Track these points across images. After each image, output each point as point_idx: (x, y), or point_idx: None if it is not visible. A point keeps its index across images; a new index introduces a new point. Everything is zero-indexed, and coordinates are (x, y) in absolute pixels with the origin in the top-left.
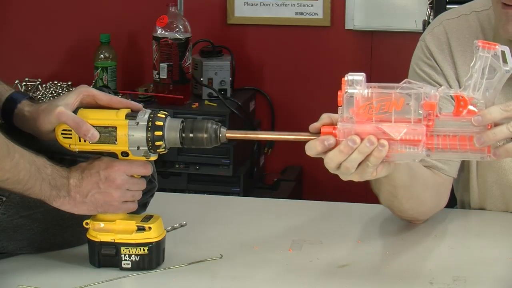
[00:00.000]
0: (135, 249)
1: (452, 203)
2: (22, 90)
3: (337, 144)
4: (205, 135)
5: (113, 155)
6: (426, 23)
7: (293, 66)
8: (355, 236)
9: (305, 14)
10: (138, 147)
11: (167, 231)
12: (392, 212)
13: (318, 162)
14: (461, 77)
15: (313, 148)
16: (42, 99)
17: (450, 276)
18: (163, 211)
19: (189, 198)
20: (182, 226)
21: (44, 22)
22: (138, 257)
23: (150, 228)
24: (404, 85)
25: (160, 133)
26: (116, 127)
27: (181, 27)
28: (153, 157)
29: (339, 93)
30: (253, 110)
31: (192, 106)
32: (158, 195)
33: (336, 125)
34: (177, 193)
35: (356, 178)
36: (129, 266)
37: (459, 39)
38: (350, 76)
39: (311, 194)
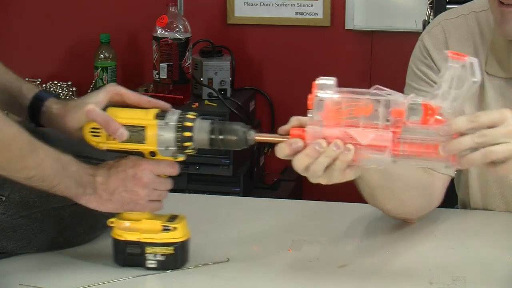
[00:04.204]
0: (160, 249)
1: (453, 202)
2: None
3: (305, 147)
4: (235, 138)
5: (140, 154)
6: (426, 23)
7: (293, 66)
8: (355, 236)
9: (305, 14)
10: (167, 148)
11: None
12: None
13: None
14: None
15: (281, 150)
16: None
17: (450, 276)
18: (163, 211)
19: (189, 198)
20: None
21: (44, 22)
22: (164, 256)
23: (175, 228)
24: (374, 91)
25: (190, 134)
26: (145, 127)
27: (181, 27)
28: (181, 158)
29: (309, 96)
30: (253, 110)
31: (192, 106)
32: None
33: (305, 127)
34: (177, 193)
35: (324, 181)
36: (155, 265)
37: (457, 39)
38: (321, 80)
39: (311, 194)
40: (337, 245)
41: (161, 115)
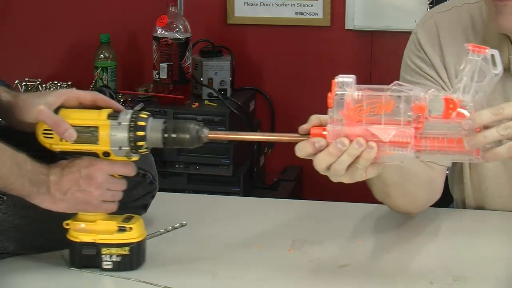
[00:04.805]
0: (116, 250)
1: (448, 201)
2: (22, 90)
3: (326, 146)
4: (188, 136)
5: (94, 155)
6: None
7: (293, 66)
8: (355, 236)
9: (305, 14)
10: (120, 147)
11: (167, 231)
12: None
13: None
14: (449, 69)
15: (303, 150)
16: None
17: (450, 276)
18: (163, 211)
19: (189, 198)
20: (182, 226)
21: (44, 22)
22: (119, 257)
23: (131, 228)
24: (394, 87)
25: (143, 133)
26: (98, 127)
27: (181, 27)
28: (135, 158)
29: (329, 95)
30: (253, 110)
31: (192, 106)
32: (158, 195)
33: (325, 126)
34: (177, 193)
35: (346, 179)
36: (110, 266)
37: (450, 32)
38: (340, 78)
39: (311, 194)
40: (337, 245)
41: (113, 115)
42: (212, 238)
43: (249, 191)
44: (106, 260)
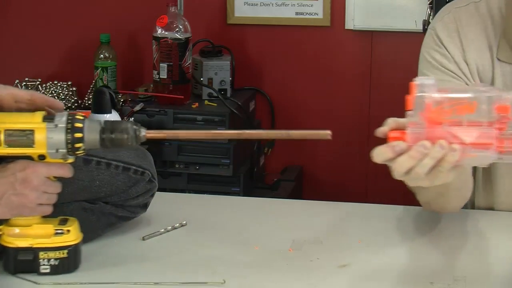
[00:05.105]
0: (54, 253)
1: None
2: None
3: (407, 149)
4: (126, 136)
5: (29, 158)
6: (426, 23)
7: (293, 66)
8: (355, 236)
9: (305, 14)
10: (57, 150)
11: (167, 231)
12: (422, 204)
13: (318, 162)
14: (470, 64)
15: (382, 155)
16: None
17: (451, 276)
18: (163, 211)
19: (189, 198)
20: (182, 226)
21: (44, 22)
22: (57, 261)
23: (68, 231)
24: (475, 88)
25: (80, 135)
26: (33, 130)
27: (181, 27)
28: (71, 160)
29: (408, 97)
30: (253, 110)
31: (192, 106)
32: (158, 195)
33: (403, 129)
34: (177, 193)
35: (425, 183)
36: (48, 270)
37: (469, 27)
38: (420, 80)
39: (311, 194)
40: (337, 245)
41: (49, 118)
42: (212, 238)
43: (249, 191)
44: (44, 264)
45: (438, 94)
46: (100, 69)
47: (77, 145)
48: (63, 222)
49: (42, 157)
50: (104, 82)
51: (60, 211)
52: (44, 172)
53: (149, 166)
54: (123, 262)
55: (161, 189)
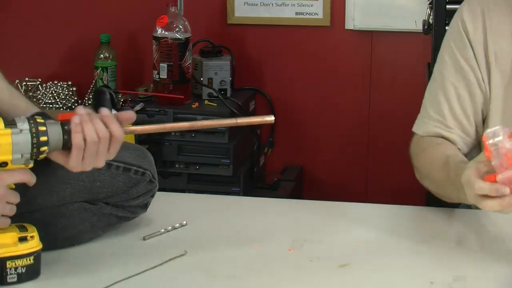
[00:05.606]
0: (21, 261)
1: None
2: (22, 90)
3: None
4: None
5: None
6: (426, 23)
7: (293, 66)
8: (355, 236)
9: (305, 14)
10: (22, 155)
11: (167, 231)
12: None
13: (318, 162)
14: (489, 50)
15: (492, 208)
16: (42, 99)
17: (451, 275)
18: (163, 211)
19: (189, 198)
20: (182, 226)
21: (44, 22)
22: (24, 268)
23: (32, 237)
24: None
25: (45, 138)
26: None
27: (181, 27)
28: (31, 164)
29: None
30: (253, 110)
31: (192, 106)
32: (158, 195)
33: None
34: (177, 193)
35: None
36: (15, 279)
37: (495, 11)
38: (488, 130)
39: (311, 194)
40: (337, 245)
41: (10, 123)
42: (212, 238)
43: (249, 191)
44: (11, 274)
45: (509, 142)
46: (100, 69)
47: (42, 148)
48: (23, 228)
49: (4, 165)
50: (104, 82)
51: (60, 212)
52: (7, 180)
53: (150, 167)
54: (123, 262)
55: (161, 189)
